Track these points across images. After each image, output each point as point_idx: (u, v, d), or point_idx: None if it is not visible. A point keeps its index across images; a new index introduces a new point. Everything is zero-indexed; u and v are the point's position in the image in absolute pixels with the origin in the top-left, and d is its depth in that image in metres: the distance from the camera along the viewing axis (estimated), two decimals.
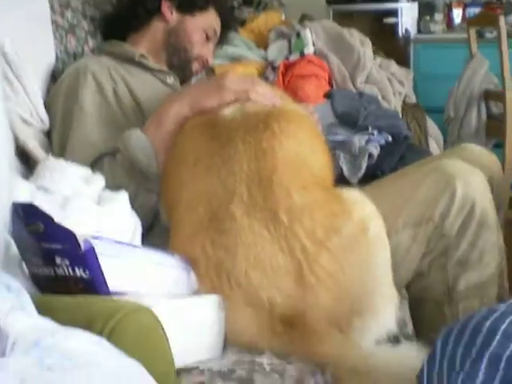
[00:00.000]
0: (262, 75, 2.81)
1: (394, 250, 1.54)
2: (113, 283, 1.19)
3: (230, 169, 1.41)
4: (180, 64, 2.18)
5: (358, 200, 1.46)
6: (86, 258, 1.15)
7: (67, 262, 1.16)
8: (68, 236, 1.14)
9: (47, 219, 1.15)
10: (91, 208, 1.21)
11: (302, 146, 1.50)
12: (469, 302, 1.61)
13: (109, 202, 1.34)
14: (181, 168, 1.51)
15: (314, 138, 1.58)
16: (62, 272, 1.18)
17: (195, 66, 2.21)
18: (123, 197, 1.38)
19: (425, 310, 1.67)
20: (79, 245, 1.14)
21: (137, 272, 1.27)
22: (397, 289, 1.64)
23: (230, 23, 2.37)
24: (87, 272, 1.16)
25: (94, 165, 1.78)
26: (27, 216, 1.16)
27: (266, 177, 1.38)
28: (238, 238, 1.34)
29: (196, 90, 1.75)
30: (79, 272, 1.16)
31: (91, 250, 1.15)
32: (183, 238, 1.42)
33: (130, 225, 1.42)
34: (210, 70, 2.37)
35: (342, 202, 1.43)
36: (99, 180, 1.41)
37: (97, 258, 1.16)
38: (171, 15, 2.19)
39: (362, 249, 1.37)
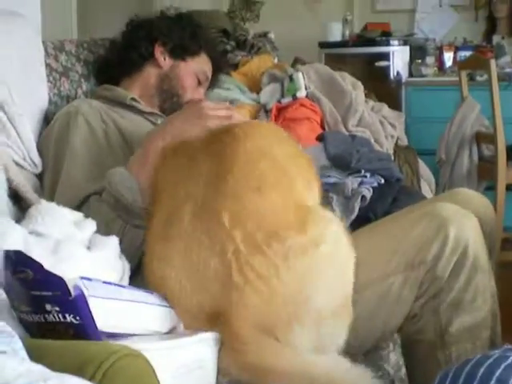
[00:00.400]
0: (255, 118, 2.82)
1: (385, 293, 1.54)
2: (102, 324, 1.19)
3: (191, 175, 1.44)
4: (172, 109, 2.17)
5: (324, 218, 1.44)
6: (76, 304, 1.14)
7: (57, 309, 1.15)
8: (58, 282, 1.14)
9: (36, 266, 1.14)
10: (82, 253, 1.20)
11: (267, 138, 1.51)
12: (461, 345, 1.58)
13: (99, 247, 1.33)
14: (156, 198, 1.52)
15: (281, 135, 1.59)
16: (52, 318, 1.16)
17: None
18: (113, 241, 1.38)
19: (418, 352, 1.64)
20: (69, 291, 1.13)
21: (124, 312, 1.26)
22: (389, 332, 1.64)
23: (221, 67, 2.42)
24: (78, 318, 1.15)
25: (82, 205, 1.78)
26: (16, 263, 1.15)
27: (222, 177, 1.39)
28: (179, 245, 1.36)
29: (177, 120, 1.75)
30: (70, 318, 1.15)
31: (81, 296, 1.15)
32: (145, 264, 1.43)
33: (119, 269, 1.42)
34: None
35: (303, 214, 1.41)
36: (90, 224, 1.40)
37: (87, 304, 1.15)
38: (164, 60, 2.22)
39: (307, 260, 1.35)
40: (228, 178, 1.39)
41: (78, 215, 1.41)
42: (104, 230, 1.63)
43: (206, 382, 1.31)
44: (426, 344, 1.60)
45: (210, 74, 2.31)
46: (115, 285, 1.31)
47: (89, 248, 1.36)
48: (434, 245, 1.54)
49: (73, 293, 1.13)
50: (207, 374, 1.31)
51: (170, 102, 2.20)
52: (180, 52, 2.23)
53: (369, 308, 1.55)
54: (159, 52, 2.22)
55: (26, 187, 1.76)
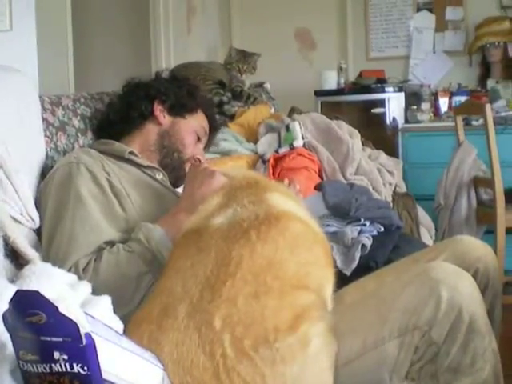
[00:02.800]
0: (253, 168, 2.83)
1: (381, 359, 1.50)
2: (104, 367, 1.16)
3: (194, 272, 1.48)
4: (173, 165, 2.22)
5: (314, 316, 1.44)
6: (86, 352, 1.12)
7: (65, 357, 1.12)
8: (71, 327, 1.11)
9: (51, 308, 1.12)
10: (76, 312, 1.18)
11: (280, 250, 1.51)
12: None
13: (91, 307, 1.31)
14: (164, 270, 1.60)
15: (301, 238, 1.59)
16: (58, 368, 1.13)
17: (188, 166, 2.24)
18: (106, 301, 1.36)
19: None
20: (81, 338, 1.11)
21: (121, 360, 1.24)
22: None
23: (216, 126, 2.47)
24: (85, 368, 1.13)
25: (99, 249, 1.83)
26: (29, 306, 1.13)
27: (221, 281, 1.43)
28: (171, 335, 1.39)
29: (195, 186, 1.90)
30: (77, 368, 1.13)
31: (91, 345, 1.13)
32: (132, 323, 1.47)
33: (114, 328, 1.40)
34: None
35: (296, 313, 1.41)
36: (85, 287, 1.38)
37: (96, 354, 1.13)
38: (164, 118, 2.26)
39: (295, 364, 1.36)
40: (228, 282, 1.43)
41: (73, 277, 1.39)
42: (135, 281, 1.78)
43: None
44: None
45: (207, 130, 2.35)
46: (114, 331, 1.28)
47: (81, 307, 1.33)
48: (426, 309, 1.49)
49: (84, 340, 1.12)
50: None
51: (170, 157, 2.23)
52: (179, 109, 2.27)
53: (365, 375, 1.51)
54: (158, 110, 2.26)
55: (24, 243, 1.75)
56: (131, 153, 2.14)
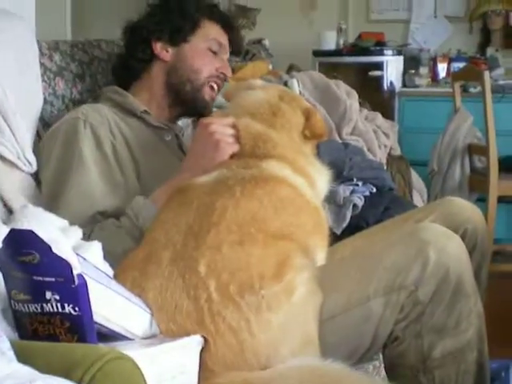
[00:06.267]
0: None
1: (366, 316, 1.51)
2: (94, 308, 1.18)
3: (177, 222, 1.48)
4: (190, 97, 2.11)
5: (302, 266, 1.46)
6: (77, 293, 1.14)
7: (57, 297, 1.14)
8: (64, 267, 1.12)
9: (45, 248, 1.12)
10: (68, 253, 1.19)
11: (264, 208, 1.51)
12: (445, 370, 1.54)
13: (83, 251, 1.32)
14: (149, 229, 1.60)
15: (288, 202, 1.57)
16: (49, 308, 1.15)
17: (207, 92, 2.13)
18: (97, 246, 1.37)
19: (400, 376, 1.58)
20: (73, 278, 1.13)
21: (111, 302, 1.27)
22: (371, 353, 1.60)
23: (231, 23, 2.24)
24: (77, 309, 1.14)
25: (92, 220, 1.79)
26: (22, 245, 1.14)
27: (205, 229, 1.44)
28: (155, 281, 1.41)
29: (198, 156, 1.76)
30: (68, 308, 1.14)
31: (83, 286, 1.14)
32: (117, 271, 1.45)
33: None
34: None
35: (279, 261, 1.43)
36: (76, 232, 1.38)
37: (88, 296, 1.15)
38: (167, 53, 2.11)
39: (280, 312, 1.38)
40: (212, 231, 1.43)
41: (64, 222, 1.39)
42: (120, 255, 1.63)
43: None
44: (408, 368, 1.56)
45: (223, 38, 2.17)
46: (105, 273, 1.30)
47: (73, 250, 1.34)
48: (413, 269, 1.50)
49: (76, 281, 1.13)
50: (190, 378, 1.32)
51: (183, 93, 2.10)
52: (178, 35, 2.11)
53: (349, 331, 1.53)
54: (159, 48, 2.11)
55: (10, 195, 1.74)
56: (144, 111, 2.07)
